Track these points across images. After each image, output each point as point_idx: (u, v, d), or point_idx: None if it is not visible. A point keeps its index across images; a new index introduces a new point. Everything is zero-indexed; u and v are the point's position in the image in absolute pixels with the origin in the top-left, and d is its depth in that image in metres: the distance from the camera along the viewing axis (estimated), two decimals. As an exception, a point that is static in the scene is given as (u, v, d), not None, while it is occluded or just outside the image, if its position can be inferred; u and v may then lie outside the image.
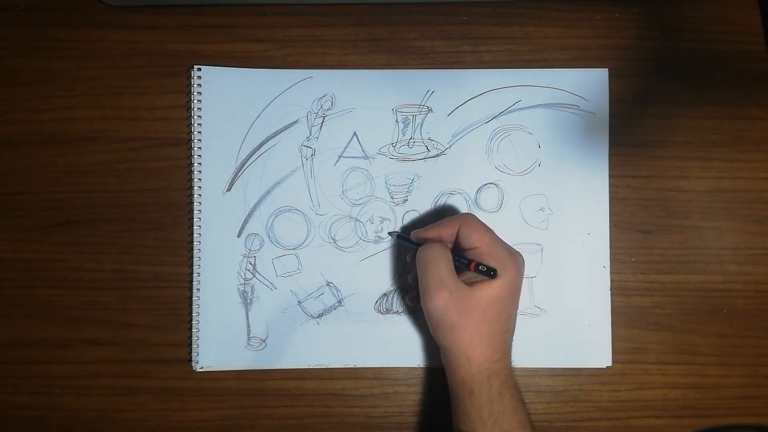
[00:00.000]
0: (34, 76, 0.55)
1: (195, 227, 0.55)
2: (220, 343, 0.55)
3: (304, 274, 0.55)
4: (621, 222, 0.56)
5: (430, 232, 0.49)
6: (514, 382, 0.48)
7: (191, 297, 0.55)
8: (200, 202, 0.55)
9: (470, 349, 0.46)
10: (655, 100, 0.56)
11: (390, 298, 0.55)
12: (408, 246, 0.53)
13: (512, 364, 0.49)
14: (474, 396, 0.46)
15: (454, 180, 0.56)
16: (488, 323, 0.46)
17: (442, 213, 0.56)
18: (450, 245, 0.50)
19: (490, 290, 0.46)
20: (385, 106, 0.55)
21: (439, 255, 0.47)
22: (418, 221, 0.55)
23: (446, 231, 0.49)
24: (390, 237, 0.55)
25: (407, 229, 0.55)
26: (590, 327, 0.55)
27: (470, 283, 0.47)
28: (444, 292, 0.46)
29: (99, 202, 0.55)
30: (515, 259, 0.48)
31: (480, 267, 0.47)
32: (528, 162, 0.56)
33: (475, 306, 0.46)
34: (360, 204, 0.56)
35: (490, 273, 0.46)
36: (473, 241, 0.48)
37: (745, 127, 0.56)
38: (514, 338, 0.53)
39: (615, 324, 0.55)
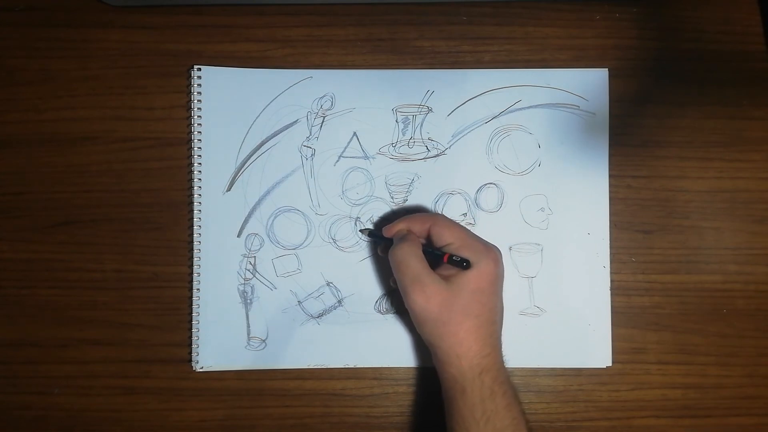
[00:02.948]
0: (34, 76, 0.55)
1: (195, 227, 0.55)
2: (220, 343, 0.55)
3: (304, 274, 0.55)
4: (621, 222, 0.56)
5: (400, 225, 0.50)
6: (506, 378, 0.48)
7: (191, 297, 0.55)
8: (200, 202, 0.55)
9: (457, 345, 0.46)
10: (655, 100, 0.56)
11: (390, 298, 0.55)
12: (379, 241, 0.53)
13: (504, 359, 0.49)
14: (466, 395, 0.46)
15: (454, 180, 0.56)
16: (472, 317, 0.46)
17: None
18: (422, 240, 0.50)
19: (467, 282, 0.46)
20: (385, 106, 0.55)
21: (409, 253, 0.47)
22: (385, 217, 0.55)
23: (415, 225, 0.50)
24: (363, 235, 0.55)
25: (377, 225, 0.55)
26: (590, 327, 0.55)
27: (447, 278, 0.47)
28: (420, 286, 0.46)
29: (99, 202, 0.55)
30: (491, 251, 0.48)
31: (453, 258, 0.47)
32: (528, 162, 0.56)
33: (456, 299, 0.46)
34: (360, 204, 0.56)
35: (463, 264, 0.47)
36: (446, 238, 0.48)
37: (745, 127, 0.56)
38: (514, 339, 0.54)
39: (615, 324, 0.55)
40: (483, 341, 0.47)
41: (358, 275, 0.55)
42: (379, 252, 0.54)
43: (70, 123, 0.55)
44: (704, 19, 0.56)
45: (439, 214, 0.52)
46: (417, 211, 0.55)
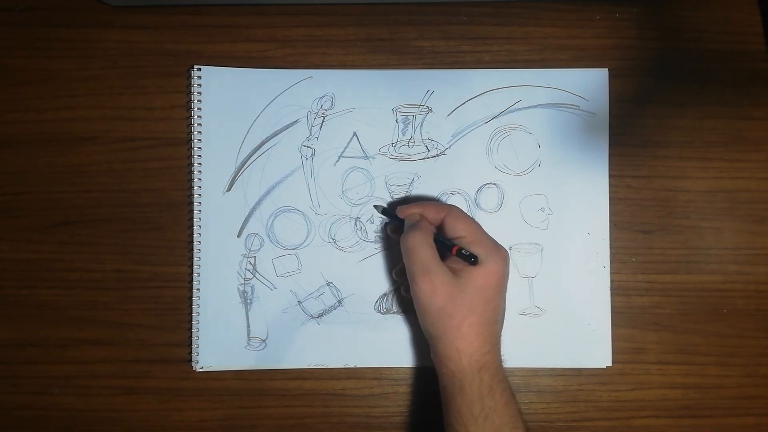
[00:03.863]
0: (34, 76, 0.55)
1: (195, 227, 0.55)
2: (220, 343, 0.55)
3: (304, 274, 0.55)
4: (621, 222, 0.56)
5: (414, 208, 0.50)
6: (504, 376, 0.48)
7: (191, 297, 0.55)
8: (200, 202, 0.55)
9: (459, 339, 0.46)
10: (655, 100, 0.56)
11: (390, 298, 0.55)
12: (392, 220, 0.53)
13: (502, 359, 0.49)
14: (465, 391, 0.46)
15: (454, 180, 0.56)
16: (475, 313, 0.46)
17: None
18: (434, 228, 0.50)
19: (474, 278, 0.47)
20: (385, 106, 0.55)
21: (421, 241, 0.48)
22: (400, 201, 0.56)
23: (430, 212, 0.50)
24: (376, 211, 0.55)
25: (392, 205, 0.55)
26: (590, 327, 0.55)
27: (455, 271, 0.47)
28: (428, 276, 0.47)
29: (99, 202, 0.55)
30: (501, 251, 0.48)
31: (462, 252, 0.47)
32: (528, 162, 0.56)
33: (461, 293, 0.46)
34: (360, 204, 0.56)
35: (471, 259, 0.47)
36: (459, 230, 0.48)
37: (745, 127, 0.56)
38: (514, 339, 0.53)
39: (615, 324, 0.55)
40: (484, 338, 0.47)
41: (358, 275, 0.55)
42: (388, 231, 0.54)
43: (70, 123, 0.55)
44: (704, 19, 0.56)
45: (454, 205, 0.52)
46: (435, 200, 0.55)
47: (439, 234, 0.50)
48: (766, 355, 0.56)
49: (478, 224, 0.50)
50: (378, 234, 0.55)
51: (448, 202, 0.55)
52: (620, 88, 0.56)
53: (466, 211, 0.55)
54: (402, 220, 0.51)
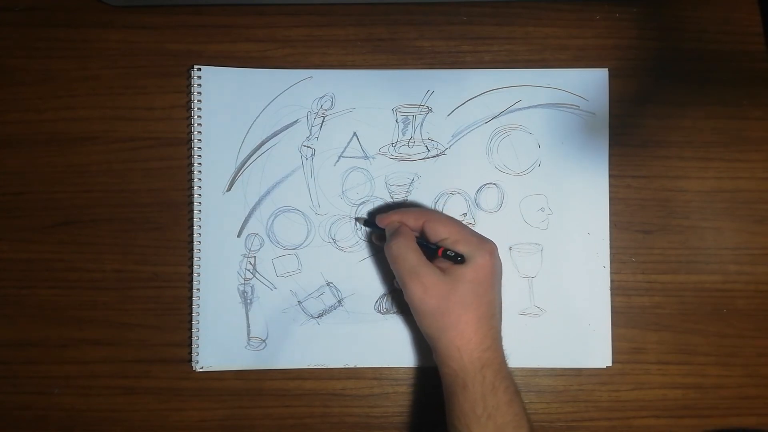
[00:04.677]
0: (34, 76, 0.55)
1: (195, 227, 0.55)
2: (220, 343, 0.55)
3: (304, 274, 0.55)
4: (621, 222, 0.56)
5: (393, 216, 0.50)
6: (507, 373, 0.48)
7: (191, 297, 0.55)
8: (200, 202, 0.55)
9: (458, 337, 0.46)
10: (655, 100, 0.56)
11: (390, 298, 0.55)
12: (374, 230, 0.54)
13: (505, 355, 0.49)
14: (467, 390, 0.46)
15: (454, 180, 0.56)
16: (470, 309, 0.47)
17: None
18: (416, 233, 0.50)
19: (464, 274, 0.47)
20: (385, 106, 0.55)
21: (404, 246, 0.48)
22: (382, 208, 0.56)
23: (410, 219, 0.50)
24: (358, 222, 0.55)
25: (373, 214, 0.55)
26: (590, 327, 0.55)
27: (445, 270, 0.47)
28: (417, 278, 0.47)
29: (99, 202, 0.55)
30: (486, 244, 0.48)
31: (447, 253, 0.47)
32: (528, 162, 0.56)
33: (452, 291, 0.46)
34: (360, 204, 0.56)
35: (457, 259, 0.47)
36: (440, 233, 0.49)
37: (745, 127, 0.56)
38: (514, 339, 0.53)
39: (615, 324, 0.55)
40: (483, 334, 0.47)
41: (358, 275, 0.55)
42: (373, 240, 0.55)
43: (70, 123, 0.55)
44: (704, 19, 0.56)
45: (432, 209, 0.52)
46: (415, 206, 0.55)
47: (422, 239, 0.50)
48: (766, 355, 0.56)
49: (460, 222, 0.50)
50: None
51: (447, 203, 0.55)
52: (620, 88, 0.56)
53: (466, 211, 0.56)
54: (383, 229, 0.51)
